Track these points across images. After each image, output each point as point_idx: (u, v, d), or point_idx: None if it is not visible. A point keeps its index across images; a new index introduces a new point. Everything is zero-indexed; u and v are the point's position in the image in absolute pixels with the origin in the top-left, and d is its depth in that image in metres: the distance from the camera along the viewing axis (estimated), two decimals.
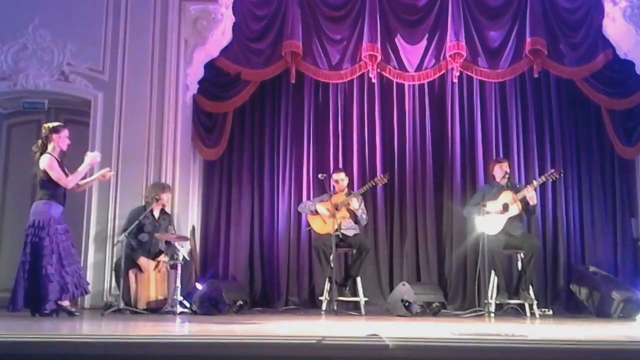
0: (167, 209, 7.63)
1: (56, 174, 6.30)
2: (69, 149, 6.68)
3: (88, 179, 6.77)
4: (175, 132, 8.06)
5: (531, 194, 7.01)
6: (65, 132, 6.52)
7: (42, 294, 6.13)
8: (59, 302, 6.26)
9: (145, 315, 6.70)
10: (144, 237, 7.23)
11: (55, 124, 6.60)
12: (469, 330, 4.74)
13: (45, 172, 6.30)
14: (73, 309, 6.35)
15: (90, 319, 6.23)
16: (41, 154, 6.38)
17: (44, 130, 6.50)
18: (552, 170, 7.27)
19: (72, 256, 6.42)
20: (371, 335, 3.76)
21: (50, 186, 6.33)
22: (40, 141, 6.47)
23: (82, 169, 6.57)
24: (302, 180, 8.38)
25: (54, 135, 6.42)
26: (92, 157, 6.61)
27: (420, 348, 3.62)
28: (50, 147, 6.40)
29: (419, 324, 5.80)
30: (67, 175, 6.42)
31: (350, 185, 7.85)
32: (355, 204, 7.48)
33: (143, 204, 7.45)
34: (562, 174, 7.36)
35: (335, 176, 7.67)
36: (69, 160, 6.71)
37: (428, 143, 8.35)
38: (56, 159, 6.38)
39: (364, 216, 7.65)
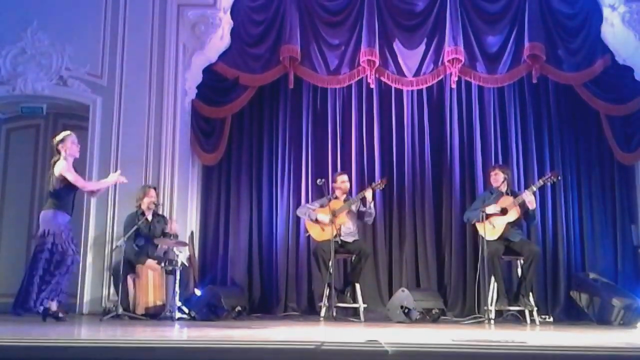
0: (160, 211, 7.64)
1: (73, 176, 6.38)
2: None
3: (104, 183, 6.78)
4: (173, 137, 8.05)
5: (530, 198, 6.99)
6: (70, 139, 6.56)
7: (41, 300, 6.21)
8: (47, 307, 6.28)
9: (144, 321, 6.67)
10: (140, 241, 7.24)
11: (61, 135, 6.62)
12: (469, 337, 4.71)
13: (60, 179, 6.36)
14: (61, 315, 6.32)
15: (88, 325, 6.22)
16: (56, 160, 6.47)
17: (56, 144, 6.56)
18: (550, 174, 7.24)
19: (71, 264, 6.45)
20: (370, 341, 3.74)
21: (61, 195, 6.39)
22: (56, 157, 6.52)
23: (104, 182, 6.79)
24: (301, 185, 8.37)
25: (60, 145, 6.50)
26: (116, 177, 6.71)
27: (419, 354, 3.60)
28: (63, 156, 6.46)
29: (419, 330, 5.77)
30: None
31: (348, 191, 7.81)
32: (354, 209, 7.49)
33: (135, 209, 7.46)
34: (559, 178, 7.33)
35: (340, 178, 7.61)
36: None
37: (427, 148, 8.34)
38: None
39: (371, 210, 7.50)
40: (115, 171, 7.31)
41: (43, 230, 6.37)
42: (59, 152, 6.49)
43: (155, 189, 7.55)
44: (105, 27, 8.16)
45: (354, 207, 7.50)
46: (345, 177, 7.66)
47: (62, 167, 6.37)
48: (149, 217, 7.34)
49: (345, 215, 7.42)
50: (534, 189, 7.15)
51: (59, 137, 6.58)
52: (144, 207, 7.33)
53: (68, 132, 6.71)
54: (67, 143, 6.51)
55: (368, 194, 7.42)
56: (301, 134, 8.49)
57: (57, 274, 6.30)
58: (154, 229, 7.32)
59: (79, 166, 7.04)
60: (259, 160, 8.53)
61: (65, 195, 6.40)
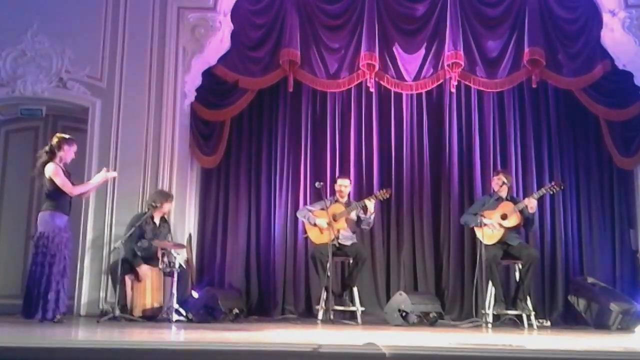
0: (167, 217, 7.63)
1: (61, 180, 6.32)
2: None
3: (92, 184, 6.75)
4: (172, 140, 8.05)
5: (531, 203, 6.98)
6: (74, 147, 6.59)
7: (45, 303, 6.18)
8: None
9: (141, 323, 6.67)
10: (143, 243, 7.22)
11: (67, 136, 6.61)
12: (466, 341, 4.71)
13: (50, 181, 6.33)
14: (58, 316, 6.31)
15: (85, 326, 6.22)
16: (46, 161, 6.40)
17: (55, 139, 6.53)
18: (553, 183, 7.23)
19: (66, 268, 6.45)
20: (368, 344, 3.74)
21: (55, 196, 6.36)
22: (48, 147, 6.49)
23: (92, 183, 6.71)
24: (299, 188, 8.36)
25: (65, 146, 6.47)
26: (103, 176, 6.67)
27: (416, 357, 3.60)
28: (57, 156, 6.43)
29: (416, 333, 5.78)
30: (72, 184, 6.47)
31: (348, 195, 7.80)
32: (354, 215, 7.48)
33: (145, 209, 7.41)
34: (562, 187, 7.32)
35: (340, 182, 7.63)
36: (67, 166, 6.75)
37: (426, 152, 8.34)
38: (61, 168, 6.42)
39: (370, 220, 7.52)
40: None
41: (40, 232, 6.35)
42: (52, 152, 6.43)
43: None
44: (106, 30, 8.16)
45: (353, 214, 7.49)
46: (346, 182, 7.66)
47: (51, 171, 6.33)
48: (157, 221, 7.34)
49: (344, 220, 7.41)
50: (535, 197, 7.13)
51: (65, 136, 6.56)
52: (158, 212, 7.31)
53: (73, 138, 6.66)
54: (72, 148, 6.52)
55: (370, 203, 7.41)
56: (300, 137, 8.48)
57: (61, 280, 6.30)
58: (159, 234, 7.32)
59: (78, 170, 7.06)
60: (258, 164, 8.53)
61: (60, 196, 6.36)
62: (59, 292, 6.26)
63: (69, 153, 6.51)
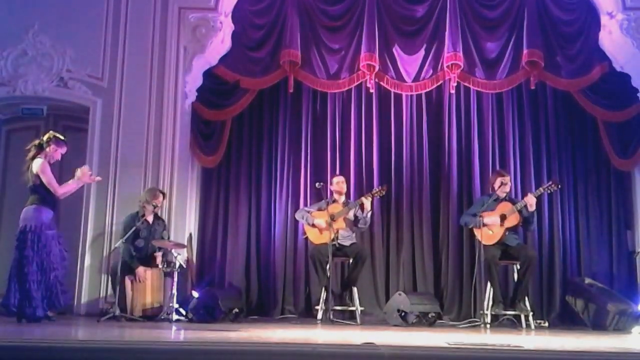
0: (162, 215, 7.67)
1: (47, 178, 6.28)
2: (66, 156, 6.72)
3: (74, 185, 6.68)
4: (173, 140, 8.07)
5: (532, 201, 7.00)
6: (63, 149, 6.54)
7: (29, 301, 6.12)
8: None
9: (141, 322, 6.69)
10: (139, 242, 7.25)
11: (61, 137, 6.57)
12: (465, 341, 4.74)
13: (37, 176, 6.29)
14: (51, 315, 6.31)
15: (85, 326, 6.23)
16: (34, 155, 6.38)
17: (47, 135, 6.50)
18: (550, 182, 7.26)
19: (61, 262, 6.40)
20: (367, 344, 3.77)
21: (41, 191, 6.31)
22: (37, 141, 6.47)
23: (73, 182, 6.53)
24: (300, 188, 8.39)
25: (53, 145, 6.43)
26: (83, 171, 6.53)
27: (416, 357, 3.63)
28: (44, 152, 6.39)
29: (415, 333, 5.81)
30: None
31: (346, 194, 7.83)
32: (351, 215, 7.51)
33: (138, 209, 7.43)
34: (559, 187, 7.36)
35: (336, 179, 7.69)
36: (67, 167, 6.79)
37: (425, 153, 8.37)
38: (49, 165, 6.38)
39: (367, 218, 7.52)
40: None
41: (23, 226, 6.26)
42: (40, 146, 6.40)
43: (164, 194, 7.57)
44: (107, 29, 8.18)
45: (351, 213, 7.52)
46: (341, 178, 7.71)
47: (39, 167, 6.27)
48: (150, 219, 7.36)
49: (343, 220, 7.44)
50: (534, 195, 7.15)
51: (58, 135, 6.52)
52: (149, 209, 7.31)
53: (64, 141, 6.62)
54: (60, 150, 6.48)
55: (367, 201, 7.42)
56: (300, 137, 8.51)
57: (52, 275, 6.25)
58: (153, 232, 7.34)
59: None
60: (258, 164, 8.55)
61: (46, 191, 6.31)
62: (51, 288, 6.22)
63: (55, 153, 6.46)
